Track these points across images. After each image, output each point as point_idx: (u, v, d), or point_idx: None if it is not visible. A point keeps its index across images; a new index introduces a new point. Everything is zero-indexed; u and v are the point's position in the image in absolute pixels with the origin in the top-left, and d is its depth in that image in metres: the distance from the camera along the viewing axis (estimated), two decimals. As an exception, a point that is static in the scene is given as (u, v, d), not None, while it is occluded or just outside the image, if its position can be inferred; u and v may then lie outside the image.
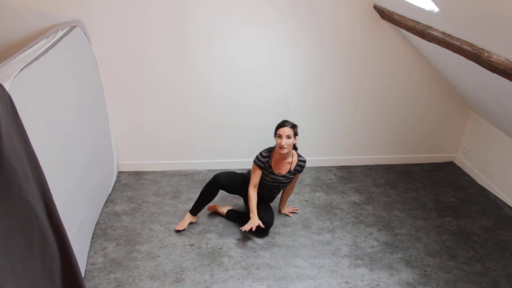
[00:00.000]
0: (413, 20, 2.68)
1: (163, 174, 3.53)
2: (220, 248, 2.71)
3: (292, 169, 2.80)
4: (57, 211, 1.86)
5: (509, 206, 3.20)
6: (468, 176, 3.65)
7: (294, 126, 2.67)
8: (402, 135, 3.72)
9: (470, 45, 2.15)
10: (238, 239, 2.79)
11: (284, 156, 2.74)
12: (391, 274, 2.54)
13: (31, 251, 1.70)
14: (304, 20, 3.09)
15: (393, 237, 2.86)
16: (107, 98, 3.19)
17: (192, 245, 2.72)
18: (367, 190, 3.41)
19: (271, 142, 3.62)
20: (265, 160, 2.74)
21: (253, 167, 2.78)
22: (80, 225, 2.41)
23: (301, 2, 3.02)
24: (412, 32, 2.79)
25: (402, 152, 3.81)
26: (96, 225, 2.85)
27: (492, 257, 2.70)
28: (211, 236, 2.81)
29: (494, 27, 1.86)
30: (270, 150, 2.78)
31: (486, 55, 2.02)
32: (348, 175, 3.62)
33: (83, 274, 2.34)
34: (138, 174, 3.51)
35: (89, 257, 2.58)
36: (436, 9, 2.27)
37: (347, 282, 2.47)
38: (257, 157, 2.77)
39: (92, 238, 2.74)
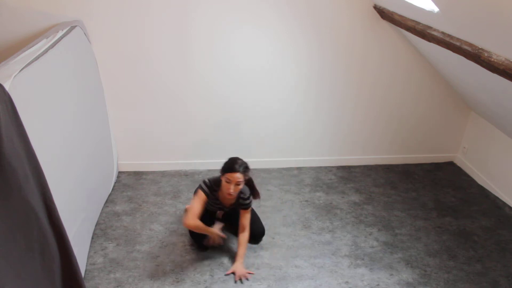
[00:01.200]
0: (413, 20, 2.68)
1: (163, 174, 3.53)
2: (220, 248, 2.70)
3: (235, 203, 2.58)
4: (57, 211, 1.86)
5: (509, 206, 3.20)
6: (468, 176, 3.65)
7: (246, 170, 2.39)
8: (402, 135, 3.72)
9: (470, 45, 2.15)
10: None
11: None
12: (391, 274, 2.54)
13: (31, 251, 1.70)
14: (304, 20, 3.09)
15: (393, 237, 2.86)
16: (107, 98, 3.19)
17: (192, 245, 2.72)
18: (367, 190, 3.41)
19: (272, 144, 3.63)
20: (212, 192, 2.51)
21: (198, 193, 2.49)
22: (80, 225, 2.40)
23: (301, 2, 3.02)
24: (412, 32, 2.79)
25: (402, 152, 3.81)
26: (96, 225, 2.85)
27: (492, 257, 2.70)
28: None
29: (494, 27, 1.86)
30: (219, 185, 2.49)
31: (486, 55, 2.02)
32: (348, 175, 3.62)
33: (83, 274, 2.34)
34: (138, 174, 3.51)
35: (89, 257, 2.58)
36: (436, 9, 2.27)
37: (347, 282, 2.47)
38: (205, 183, 2.49)
39: (92, 238, 2.74)
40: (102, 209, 3.02)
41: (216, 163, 3.61)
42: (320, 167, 3.73)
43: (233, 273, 2.48)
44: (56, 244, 1.89)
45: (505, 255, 2.72)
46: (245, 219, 2.58)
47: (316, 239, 2.82)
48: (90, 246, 2.66)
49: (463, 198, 3.34)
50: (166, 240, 2.76)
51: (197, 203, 2.47)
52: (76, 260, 2.02)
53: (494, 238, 2.88)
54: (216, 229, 2.53)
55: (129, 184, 3.38)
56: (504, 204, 3.24)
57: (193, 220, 2.43)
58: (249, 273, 2.49)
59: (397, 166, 3.80)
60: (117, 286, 2.38)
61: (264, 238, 2.81)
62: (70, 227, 2.14)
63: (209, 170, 3.59)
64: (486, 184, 3.45)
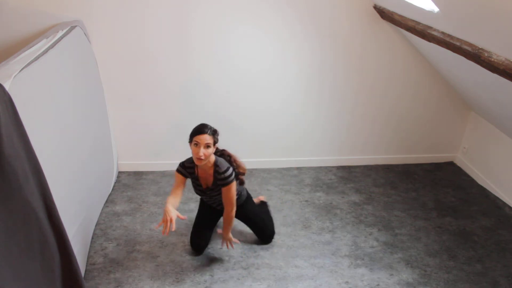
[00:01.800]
0: (413, 20, 2.68)
1: (163, 174, 3.53)
2: (220, 248, 2.70)
3: (211, 182, 2.43)
4: (57, 211, 1.86)
5: (509, 206, 3.20)
6: (468, 176, 3.65)
7: (214, 132, 2.30)
8: (402, 135, 3.72)
9: (470, 45, 2.15)
10: (238, 239, 2.78)
11: (204, 167, 2.38)
12: (391, 274, 2.54)
13: (31, 251, 1.70)
14: (303, 20, 3.09)
15: (393, 237, 2.86)
16: (107, 98, 3.19)
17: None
18: (367, 190, 3.41)
19: (272, 144, 3.63)
20: (187, 170, 2.42)
21: (175, 175, 2.42)
22: (80, 225, 2.41)
23: (301, 2, 3.02)
24: (412, 32, 2.79)
25: (402, 152, 3.81)
26: (96, 225, 2.85)
27: (492, 257, 2.70)
28: (211, 236, 2.81)
29: (494, 27, 1.86)
30: (192, 160, 2.40)
31: (486, 55, 2.02)
32: (348, 175, 3.62)
33: (83, 274, 2.34)
34: (138, 174, 3.51)
35: (89, 257, 2.58)
36: (436, 9, 2.27)
37: (347, 282, 2.47)
38: (180, 164, 2.43)
39: (92, 238, 2.74)
40: (102, 209, 3.02)
41: (216, 163, 3.63)
42: (320, 167, 3.73)
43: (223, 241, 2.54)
44: (56, 244, 1.89)
45: (505, 255, 2.72)
46: (225, 197, 2.40)
47: (316, 239, 2.82)
48: (90, 246, 2.66)
49: (463, 198, 3.33)
50: (166, 240, 2.76)
51: (174, 185, 2.40)
52: (76, 260, 2.02)
53: (494, 238, 2.88)
54: (175, 214, 2.18)
55: (129, 184, 3.38)
56: (504, 204, 3.23)
57: (169, 199, 2.27)
58: (235, 241, 2.52)
59: (397, 166, 3.80)
60: (117, 286, 2.38)
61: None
62: (70, 227, 2.14)
63: (209, 170, 3.59)
64: (486, 184, 3.45)
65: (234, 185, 2.40)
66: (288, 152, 3.66)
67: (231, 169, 2.38)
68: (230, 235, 2.52)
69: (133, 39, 3.03)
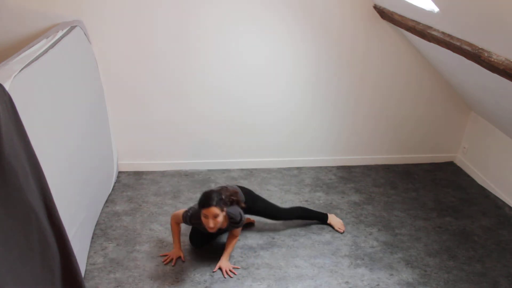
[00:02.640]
0: (413, 20, 2.68)
1: (163, 174, 3.53)
2: (220, 248, 2.70)
3: (225, 227, 2.51)
4: (57, 211, 1.86)
5: (509, 206, 3.20)
6: (468, 176, 3.65)
7: (220, 201, 2.30)
8: (402, 135, 3.72)
9: (470, 45, 2.14)
10: (238, 239, 2.78)
11: None
12: (391, 274, 2.54)
13: (31, 251, 1.70)
14: (303, 21, 3.09)
15: (393, 237, 2.86)
16: (107, 98, 3.19)
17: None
18: (367, 190, 3.41)
19: (272, 144, 3.63)
20: (195, 223, 2.47)
21: (181, 215, 2.49)
22: (80, 225, 2.40)
23: (301, 2, 3.02)
24: (412, 32, 2.79)
25: (402, 152, 3.81)
26: (96, 225, 2.85)
27: (492, 257, 2.70)
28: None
29: (494, 27, 1.86)
30: (199, 218, 2.39)
31: (486, 55, 2.02)
32: (348, 175, 3.62)
33: (83, 274, 2.34)
34: (138, 174, 3.51)
35: (89, 257, 2.58)
36: (436, 9, 2.27)
37: (347, 282, 2.47)
38: (186, 216, 2.45)
39: (92, 238, 2.74)
40: (102, 209, 3.02)
41: (216, 163, 3.64)
42: (320, 167, 3.73)
43: (220, 269, 2.52)
44: (56, 244, 1.89)
45: (505, 255, 2.72)
46: (237, 231, 2.58)
47: (316, 239, 2.82)
48: (90, 246, 2.66)
49: (463, 198, 3.33)
50: (166, 240, 2.76)
51: (175, 232, 2.60)
52: (76, 260, 2.02)
53: (494, 238, 2.88)
54: (181, 253, 2.59)
55: (129, 184, 3.38)
56: (504, 204, 3.23)
57: (174, 223, 2.57)
58: (235, 267, 2.53)
59: (397, 166, 3.80)
60: (117, 286, 2.38)
61: (264, 238, 2.81)
62: (70, 227, 2.14)
63: (209, 170, 3.59)
64: (486, 184, 3.45)
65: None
66: (288, 152, 3.66)
67: (242, 214, 2.50)
68: (229, 262, 2.56)
69: (133, 39, 3.03)
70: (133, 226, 2.88)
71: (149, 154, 3.52)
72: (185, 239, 2.76)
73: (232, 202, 2.46)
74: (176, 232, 2.60)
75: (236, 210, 2.47)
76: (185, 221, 2.48)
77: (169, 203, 3.15)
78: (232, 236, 2.60)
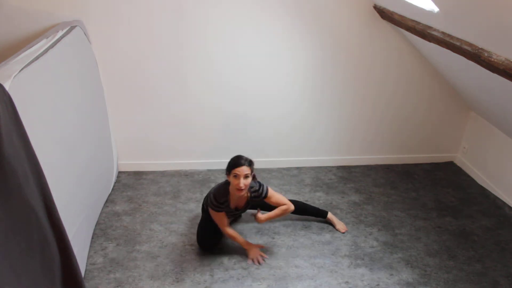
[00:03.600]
0: (413, 20, 2.68)
1: (163, 174, 3.53)
2: (220, 248, 2.70)
3: (249, 200, 2.58)
4: (57, 211, 1.86)
5: (509, 206, 3.20)
6: (468, 176, 3.65)
7: (251, 163, 2.41)
8: (402, 135, 3.72)
9: (470, 45, 2.14)
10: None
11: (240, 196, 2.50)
12: (391, 274, 2.54)
13: (31, 251, 1.70)
14: (303, 20, 3.09)
15: (393, 237, 2.86)
16: (107, 98, 3.19)
17: (192, 245, 2.72)
18: (367, 190, 3.41)
19: (272, 143, 3.63)
20: (223, 205, 2.50)
21: (212, 213, 2.53)
22: (80, 225, 2.40)
23: (301, 2, 3.02)
24: (412, 32, 2.79)
25: (402, 152, 3.81)
26: (96, 225, 2.85)
27: (492, 257, 2.70)
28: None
29: (494, 27, 1.86)
30: (226, 193, 2.49)
31: (486, 55, 2.02)
32: (348, 175, 3.62)
33: (83, 274, 2.34)
34: (138, 174, 3.51)
35: (89, 257, 2.58)
36: (436, 9, 2.27)
37: (347, 282, 2.47)
38: (213, 204, 2.48)
39: (92, 238, 2.74)
40: (102, 209, 3.02)
41: (216, 163, 3.63)
42: (320, 167, 3.73)
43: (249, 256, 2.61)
44: (56, 244, 1.89)
45: (505, 255, 2.72)
46: (276, 200, 2.58)
47: (316, 239, 2.82)
48: (90, 246, 2.66)
49: (463, 198, 3.33)
50: (166, 240, 2.76)
51: (221, 220, 2.55)
52: (76, 260, 2.02)
53: (494, 238, 2.88)
54: (252, 247, 2.61)
55: (129, 184, 3.38)
56: (504, 204, 3.23)
57: (228, 229, 2.58)
58: (263, 256, 2.60)
59: (397, 166, 3.80)
60: (117, 286, 2.38)
61: (264, 238, 2.81)
62: (70, 227, 2.14)
63: (208, 170, 3.59)
64: (486, 184, 3.45)
65: (272, 191, 2.58)
66: (288, 152, 3.66)
67: (260, 184, 2.55)
68: (259, 250, 2.63)
69: (133, 39, 3.03)
70: (133, 226, 2.88)
71: (149, 154, 3.52)
72: (185, 239, 2.76)
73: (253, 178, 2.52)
74: (232, 234, 2.59)
75: (252, 182, 2.52)
76: (214, 207, 2.49)
77: (169, 203, 3.15)
78: (285, 209, 2.59)
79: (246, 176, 2.37)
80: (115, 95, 3.22)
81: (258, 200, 2.56)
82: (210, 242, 2.68)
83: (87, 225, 2.60)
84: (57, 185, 1.99)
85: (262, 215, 2.58)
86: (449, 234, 2.91)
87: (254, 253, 2.60)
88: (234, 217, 2.85)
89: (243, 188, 2.37)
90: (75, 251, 2.05)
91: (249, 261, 2.59)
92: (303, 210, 2.89)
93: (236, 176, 2.37)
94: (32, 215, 1.69)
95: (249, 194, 2.54)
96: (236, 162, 2.39)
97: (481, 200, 3.31)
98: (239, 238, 2.61)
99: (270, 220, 2.62)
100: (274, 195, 2.59)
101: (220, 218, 2.55)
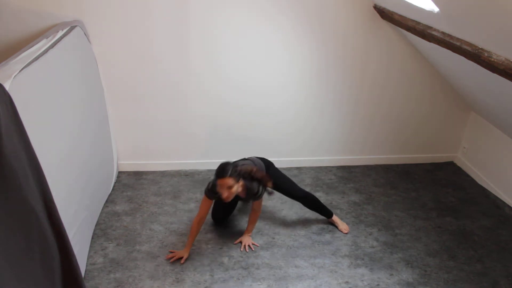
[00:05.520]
0: (413, 20, 2.68)
1: (163, 174, 3.53)
2: (220, 248, 2.71)
3: (244, 197, 2.63)
4: (57, 211, 1.86)
5: (509, 206, 3.20)
6: (468, 176, 3.65)
7: (235, 172, 2.39)
8: (402, 135, 3.72)
9: (470, 45, 2.14)
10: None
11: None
12: (391, 274, 2.54)
13: (31, 251, 1.70)
14: (303, 20, 3.09)
15: (393, 237, 2.86)
16: (107, 98, 3.19)
17: (192, 245, 2.72)
18: (367, 190, 3.41)
19: (272, 144, 3.63)
20: (216, 196, 2.54)
21: (203, 198, 2.58)
22: (80, 225, 2.41)
23: (301, 2, 3.02)
24: (412, 32, 2.79)
25: (402, 152, 3.81)
26: (96, 225, 2.85)
27: (492, 257, 2.70)
28: (211, 236, 2.82)
29: (494, 27, 1.86)
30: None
31: (486, 55, 2.02)
32: (348, 175, 3.62)
33: (83, 274, 2.34)
34: (138, 174, 3.51)
35: (89, 257, 2.58)
36: (436, 9, 2.27)
37: (347, 282, 2.47)
38: (208, 189, 2.54)
39: (92, 238, 2.74)
40: (102, 209, 3.02)
41: (216, 163, 3.61)
42: (320, 167, 3.73)
43: (240, 242, 2.73)
44: (56, 244, 1.88)
45: (505, 255, 2.72)
46: (256, 205, 2.69)
47: (316, 239, 2.82)
48: (90, 246, 2.66)
49: (463, 198, 3.33)
50: (166, 240, 2.76)
51: (202, 207, 2.60)
52: (76, 260, 2.02)
53: (494, 238, 2.88)
54: (186, 254, 2.61)
55: (129, 184, 3.38)
56: (504, 204, 3.23)
57: (196, 221, 2.60)
58: (254, 244, 2.72)
59: (397, 166, 3.80)
60: (117, 286, 2.38)
61: (264, 238, 2.81)
62: (70, 227, 2.14)
63: (209, 170, 3.59)
64: (486, 184, 3.45)
65: (262, 198, 2.67)
66: (288, 152, 3.66)
67: (261, 187, 2.57)
68: (250, 238, 2.75)
69: (133, 39, 3.03)
70: (133, 226, 2.88)
71: (149, 154, 3.52)
72: (185, 239, 2.76)
73: (252, 179, 2.53)
74: (194, 232, 2.61)
75: (253, 184, 2.54)
76: (208, 195, 2.56)
77: (169, 203, 3.15)
78: (253, 212, 2.71)
79: (229, 187, 2.37)
80: (115, 95, 3.22)
81: (254, 198, 2.62)
82: (220, 217, 2.88)
83: (87, 225, 2.60)
84: (57, 185, 1.99)
85: (247, 232, 2.77)
86: (449, 234, 2.91)
87: (246, 240, 2.73)
88: (242, 204, 2.94)
89: (227, 197, 2.40)
90: (75, 251, 2.05)
91: (241, 248, 2.70)
92: (313, 203, 2.91)
93: (221, 186, 2.39)
94: (32, 215, 1.69)
95: (247, 192, 2.57)
96: (220, 173, 2.39)
97: (481, 200, 3.31)
98: (191, 237, 2.61)
99: (252, 230, 2.80)
100: (261, 201, 2.69)
101: (205, 205, 2.58)
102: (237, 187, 2.42)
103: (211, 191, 2.53)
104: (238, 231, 2.87)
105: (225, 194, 2.39)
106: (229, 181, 2.36)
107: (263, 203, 2.82)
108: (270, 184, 2.59)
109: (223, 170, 2.39)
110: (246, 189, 2.54)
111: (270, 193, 2.64)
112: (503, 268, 2.61)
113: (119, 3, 2.89)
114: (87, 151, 2.65)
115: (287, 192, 2.86)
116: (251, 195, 2.58)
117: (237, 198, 2.68)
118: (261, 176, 2.57)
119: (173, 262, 2.57)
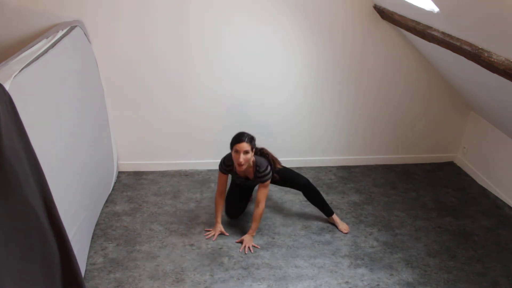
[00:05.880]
0: (413, 20, 2.68)
1: (163, 174, 3.53)
2: (220, 248, 2.71)
3: (252, 178, 2.75)
4: (57, 211, 1.86)
5: (509, 206, 3.20)
6: (468, 176, 3.65)
7: (251, 140, 2.60)
8: (402, 135, 3.72)
9: (470, 45, 2.15)
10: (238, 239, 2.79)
11: (246, 168, 2.67)
12: (391, 274, 2.54)
13: (31, 251, 1.70)
14: (303, 20, 3.09)
15: (393, 237, 2.86)
16: (107, 98, 3.19)
17: (192, 245, 2.72)
18: (367, 190, 3.41)
19: (272, 144, 3.62)
20: (229, 168, 2.74)
21: (219, 174, 2.80)
22: (80, 225, 2.41)
23: (300, 2, 3.02)
24: (412, 32, 2.79)
25: (402, 152, 3.81)
26: (96, 225, 2.85)
27: (492, 257, 2.70)
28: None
29: (494, 27, 1.86)
30: (231, 159, 2.70)
31: (486, 55, 2.02)
32: (348, 175, 3.62)
33: (83, 274, 2.34)
34: (138, 174, 3.51)
35: (89, 257, 2.58)
36: (436, 9, 2.27)
37: (347, 282, 2.47)
38: (221, 163, 2.75)
39: (92, 238, 2.74)
40: (102, 209, 3.02)
41: (216, 163, 3.61)
42: (320, 167, 3.73)
43: (241, 242, 2.74)
44: (56, 244, 1.88)
45: (505, 255, 2.72)
46: (261, 193, 2.71)
47: (316, 239, 2.82)
48: (90, 246, 2.66)
49: (463, 198, 3.33)
50: (166, 240, 2.76)
51: (219, 182, 2.79)
52: (76, 260, 2.02)
53: (494, 238, 2.88)
54: (218, 229, 2.80)
55: (129, 184, 3.38)
56: (504, 204, 3.23)
57: (219, 198, 2.80)
58: (254, 246, 2.71)
59: (397, 166, 3.80)
60: (117, 286, 2.38)
61: (265, 238, 2.81)
62: (70, 227, 2.14)
63: (209, 170, 3.59)
64: (486, 184, 3.45)
65: (269, 183, 2.73)
66: (288, 152, 3.66)
67: (269, 168, 2.69)
68: (252, 239, 2.75)
69: (133, 39, 3.03)
70: (133, 226, 2.88)
71: (149, 154, 3.52)
72: (185, 239, 2.76)
73: (262, 154, 2.74)
74: (219, 206, 2.79)
75: (264, 161, 2.69)
76: (221, 168, 2.75)
77: (169, 203, 3.15)
78: (256, 206, 2.71)
79: (245, 152, 2.54)
80: (115, 95, 3.22)
81: (259, 180, 2.68)
82: (236, 211, 2.91)
83: (87, 225, 2.60)
84: (57, 185, 1.99)
85: (251, 232, 2.77)
86: (449, 234, 2.91)
87: (247, 241, 2.72)
88: (247, 187, 2.93)
89: (242, 163, 2.55)
90: (75, 251, 2.05)
91: (241, 249, 2.69)
92: (315, 194, 2.91)
93: (237, 152, 2.54)
94: (32, 215, 1.69)
95: (256, 169, 2.66)
96: (237, 138, 2.58)
97: (481, 200, 3.31)
98: (218, 212, 2.80)
99: (256, 230, 2.79)
100: (266, 189, 2.73)
101: (221, 180, 2.78)
102: (251, 156, 2.58)
103: (224, 164, 2.72)
104: (239, 231, 2.87)
105: (240, 159, 2.52)
106: (246, 145, 2.53)
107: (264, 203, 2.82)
108: (278, 164, 2.79)
109: (241, 135, 2.59)
110: (255, 166, 2.65)
111: (276, 174, 2.75)
112: (503, 268, 2.61)
113: (119, 3, 2.89)
114: (87, 151, 2.65)
115: (291, 179, 2.89)
116: (259, 176, 2.65)
117: (245, 181, 2.78)
118: (271, 155, 2.77)
119: (173, 262, 2.57)
